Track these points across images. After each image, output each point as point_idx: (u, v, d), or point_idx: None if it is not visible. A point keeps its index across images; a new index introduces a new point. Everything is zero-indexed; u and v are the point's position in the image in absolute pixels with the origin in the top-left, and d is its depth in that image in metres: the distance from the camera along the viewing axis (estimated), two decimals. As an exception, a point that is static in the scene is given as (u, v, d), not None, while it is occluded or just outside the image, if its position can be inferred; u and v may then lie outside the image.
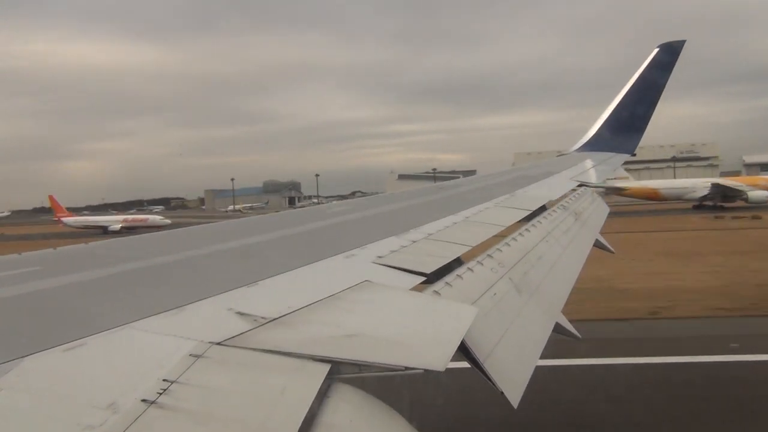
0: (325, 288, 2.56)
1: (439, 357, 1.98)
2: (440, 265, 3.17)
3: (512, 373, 2.55)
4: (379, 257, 3.16)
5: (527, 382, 2.56)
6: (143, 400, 1.53)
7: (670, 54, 12.49)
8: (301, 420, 1.59)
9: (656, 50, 12.62)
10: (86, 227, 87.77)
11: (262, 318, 2.15)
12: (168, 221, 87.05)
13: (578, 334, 3.82)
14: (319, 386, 1.76)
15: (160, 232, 4.20)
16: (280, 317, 2.19)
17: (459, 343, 2.16)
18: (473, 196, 6.47)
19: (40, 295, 2.39)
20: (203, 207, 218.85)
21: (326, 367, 1.85)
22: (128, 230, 77.58)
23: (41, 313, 2.20)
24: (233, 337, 1.97)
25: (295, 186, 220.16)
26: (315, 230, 4.24)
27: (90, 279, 2.65)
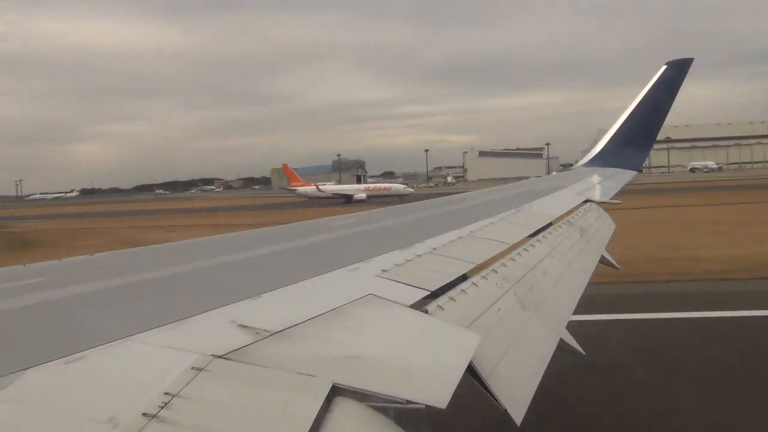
0: (328, 301, 2.55)
1: (440, 391, 1.97)
2: (444, 283, 3.15)
3: (516, 390, 2.53)
4: (383, 271, 3.15)
5: (530, 399, 2.54)
6: (144, 414, 1.52)
7: (677, 72, 12.55)
8: None
9: (664, 68, 12.69)
10: (334, 196, 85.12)
11: (265, 331, 2.14)
12: (411, 190, 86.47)
13: (582, 351, 3.79)
14: (321, 402, 1.74)
15: (162, 245, 4.21)
16: (283, 330, 2.18)
17: (461, 376, 2.15)
18: (478, 210, 6.47)
19: (42, 307, 2.39)
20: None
21: (329, 383, 1.84)
22: (372, 198, 76.95)
23: (42, 325, 2.20)
24: (236, 350, 1.96)
25: (360, 164, 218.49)
26: (319, 243, 4.24)
27: (92, 291, 2.65)
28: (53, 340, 2.01)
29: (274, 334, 2.14)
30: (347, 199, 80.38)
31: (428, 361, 2.28)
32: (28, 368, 1.70)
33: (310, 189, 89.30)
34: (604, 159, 12.49)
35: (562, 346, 3.54)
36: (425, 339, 2.52)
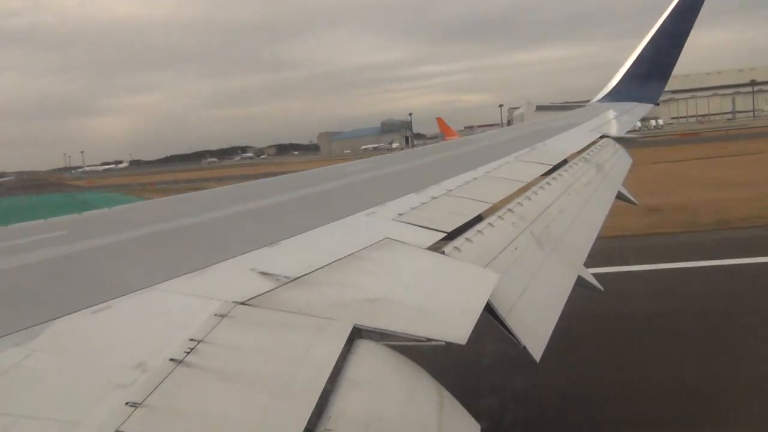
0: (346, 246, 2.56)
1: (460, 329, 2.00)
2: (460, 224, 3.15)
3: (534, 328, 2.55)
4: (400, 214, 3.15)
5: (549, 336, 2.56)
6: (171, 360, 1.56)
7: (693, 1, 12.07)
8: (327, 377, 1.61)
9: None
10: None
11: (285, 277, 2.16)
12: None
13: (600, 287, 3.80)
14: (343, 344, 1.78)
15: (180, 195, 4.23)
16: (302, 276, 2.21)
17: (479, 313, 2.17)
18: (493, 150, 6.39)
19: (67, 260, 2.43)
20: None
21: (350, 325, 1.87)
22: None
23: (69, 277, 2.24)
24: (257, 296, 1.99)
25: (408, 126, 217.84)
26: (335, 189, 4.24)
27: (115, 242, 2.69)
28: (80, 291, 2.05)
29: (293, 280, 2.17)
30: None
31: (447, 301, 2.30)
32: (56, 318, 1.74)
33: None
34: (619, 93, 12.19)
35: (580, 282, 3.55)
36: (443, 279, 2.55)
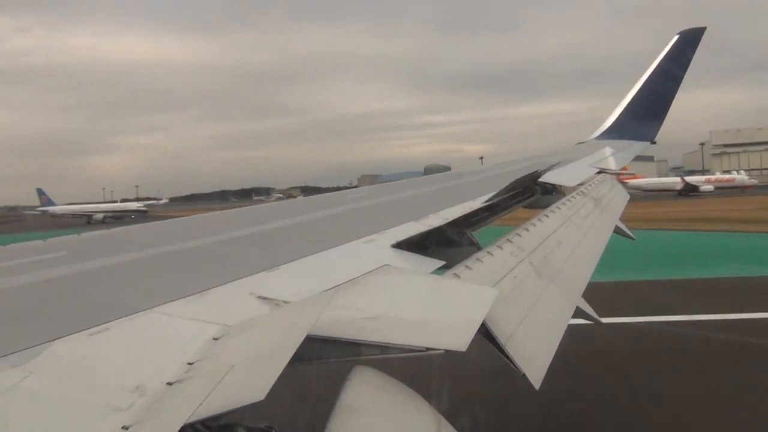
0: (344, 272, 2.56)
1: (460, 337, 1.97)
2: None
3: (534, 356, 2.54)
4: (399, 242, 3.16)
5: (548, 364, 2.55)
6: (168, 383, 1.55)
7: (690, 41, 12.32)
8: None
9: (676, 37, 12.47)
10: (661, 188, 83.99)
11: (283, 302, 2.16)
12: (755, 181, 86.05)
13: (600, 319, 3.79)
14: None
15: (182, 218, 4.24)
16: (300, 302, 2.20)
17: (480, 323, 2.15)
18: (491, 182, 6.44)
19: (66, 281, 2.42)
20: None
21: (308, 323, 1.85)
22: (720, 190, 77.64)
23: (67, 298, 2.23)
24: None
25: (448, 170, 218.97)
26: (334, 216, 4.25)
27: (114, 264, 2.69)
28: (78, 312, 2.04)
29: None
30: (688, 191, 79.47)
31: (446, 315, 2.29)
32: (54, 340, 1.73)
33: (642, 182, 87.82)
34: (616, 131, 12.34)
35: (579, 314, 3.54)
36: (443, 297, 2.54)
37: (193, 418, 1.37)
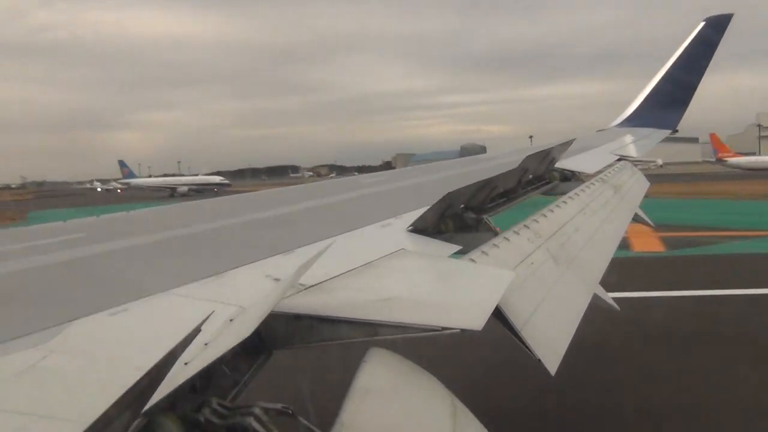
0: (361, 256, 2.57)
1: (476, 317, 1.97)
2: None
3: (550, 341, 2.53)
4: (415, 227, 3.16)
5: (565, 351, 2.54)
6: (186, 364, 1.56)
7: (716, 28, 12.09)
8: None
9: (702, 24, 12.24)
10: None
11: (300, 285, 2.17)
12: None
13: (617, 306, 3.77)
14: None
15: (198, 201, 4.28)
16: (317, 284, 2.21)
17: (496, 303, 2.15)
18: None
19: (85, 262, 2.45)
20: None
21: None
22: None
23: (86, 279, 2.26)
24: None
25: (484, 150, 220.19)
26: (350, 200, 4.26)
27: (132, 246, 2.72)
28: (97, 293, 2.07)
29: (308, 287, 2.17)
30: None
31: (462, 295, 2.30)
32: (74, 320, 1.76)
33: (743, 160, 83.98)
34: (637, 119, 12.19)
35: (595, 301, 3.52)
36: (459, 279, 2.54)
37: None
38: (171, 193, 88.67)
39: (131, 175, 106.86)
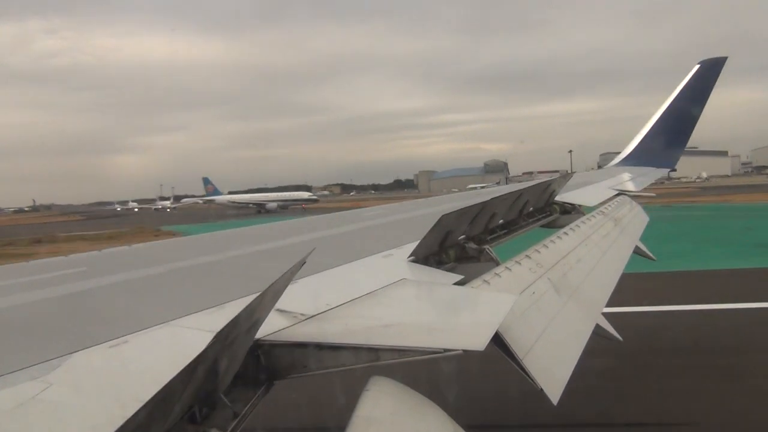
0: (363, 286, 2.57)
1: (478, 338, 1.96)
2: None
3: (552, 371, 2.51)
4: (417, 256, 3.16)
5: (567, 380, 2.51)
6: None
7: (711, 70, 12.33)
8: None
9: (697, 67, 12.50)
10: None
11: (302, 315, 2.16)
12: None
13: (619, 337, 3.74)
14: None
15: (198, 235, 4.29)
16: (318, 314, 2.21)
17: (499, 324, 2.13)
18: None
19: (86, 294, 2.46)
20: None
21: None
22: None
23: (87, 312, 2.26)
24: (273, 333, 1.99)
25: (505, 167, 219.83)
26: (352, 231, 4.28)
27: (134, 278, 2.72)
28: (97, 325, 2.07)
29: (310, 317, 2.17)
30: None
31: (464, 319, 2.29)
32: (74, 352, 1.75)
33: None
34: (636, 158, 12.36)
35: (598, 331, 3.50)
36: (460, 304, 2.54)
37: None
38: (258, 210, 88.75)
39: (216, 192, 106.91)
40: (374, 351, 1.88)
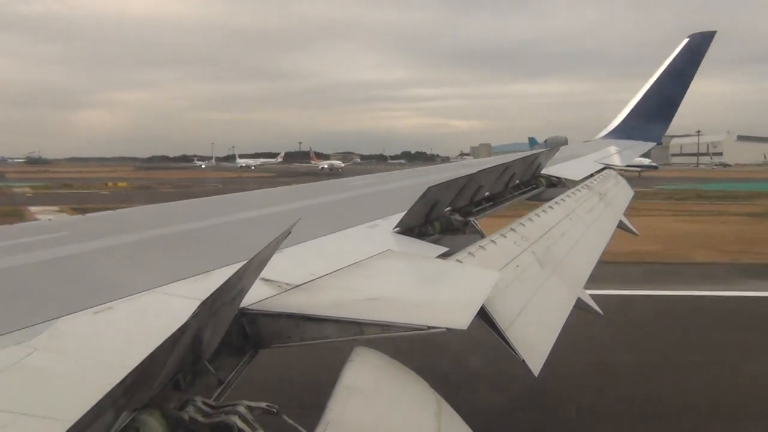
0: (348, 256, 2.58)
1: (461, 316, 1.98)
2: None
3: (534, 343, 2.55)
4: (403, 228, 3.17)
5: (548, 352, 2.56)
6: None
7: (699, 45, 12.33)
8: None
9: (686, 40, 12.48)
10: None
11: (287, 284, 2.17)
12: None
13: (600, 311, 3.80)
14: None
15: (184, 201, 4.26)
16: (304, 284, 2.21)
17: (482, 303, 2.16)
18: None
19: (71, 260, 2.44)
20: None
21: None
22: None
23: (72, 277, 2.25)
24: (257, 302, 1.99)
25: (565, 142, 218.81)
26: (339, 201, 4.28)
27: (119, 245, 2.71)
28: (82, 291, 2.06)
29: (295, 287, 2.17)
30: None
31: (448, 295, 2.31)
32: (58, 318, 1.75)
33: None
34: (622, 132, 12.43)
35: (579, 305, 3.55)
36: (445, 279, 2.56)
37: None
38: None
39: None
40: (358, 325, 1.89)
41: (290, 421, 1.65)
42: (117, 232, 2.92)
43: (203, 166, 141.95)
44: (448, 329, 1.87)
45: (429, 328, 1.87)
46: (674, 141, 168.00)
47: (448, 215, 3.61)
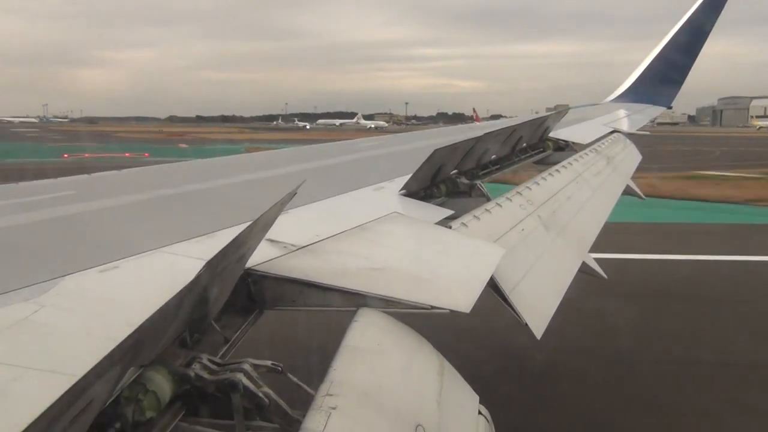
0: (353, 218, 2.58)
1: (464, 298, 2.00)
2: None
3: (537, 306, 2.56)
4: (409, 191, 3.16)
5: (551, 316, 2.57)
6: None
7: (714, 6, 11.97)
8: None
9: (699, 1, 12.11)
10: None
11: (292, 245, 2.17)
12: None
13: (604, 275, 3.81)
14: None
15: (190, 161, 4.26)
16: (309, 245, 2.22)
17: (485, 284, 2.17)
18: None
19: (78, 219, 2.45)
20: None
21: None
22: None
23: (78, 236, 2.26)
24: (263, 262, 2.00)
25: None
26: (345, 163, 4.26)
27: (125, 204, 2.71)
28: (89, 250, 2.07)
29: (301, 248, 2.18)
30: None
31: (452, 272, 2.31)
32: (65, 276, 1.76)
33: None
34: (632, 95, 12.20)
35: (584, 269, 3.55)
36: (449, 252, 2.56)
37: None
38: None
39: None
40: (361, 296, 1.92)
41: (295, 379, 1.68)
42: (123, 192, 2.92)
43: (308, 127, 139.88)
44: (451, 311, 1.91)
45: (432, 308, 1.91)
46: (754, 102, 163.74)
47: (455, 178, 3.59)
